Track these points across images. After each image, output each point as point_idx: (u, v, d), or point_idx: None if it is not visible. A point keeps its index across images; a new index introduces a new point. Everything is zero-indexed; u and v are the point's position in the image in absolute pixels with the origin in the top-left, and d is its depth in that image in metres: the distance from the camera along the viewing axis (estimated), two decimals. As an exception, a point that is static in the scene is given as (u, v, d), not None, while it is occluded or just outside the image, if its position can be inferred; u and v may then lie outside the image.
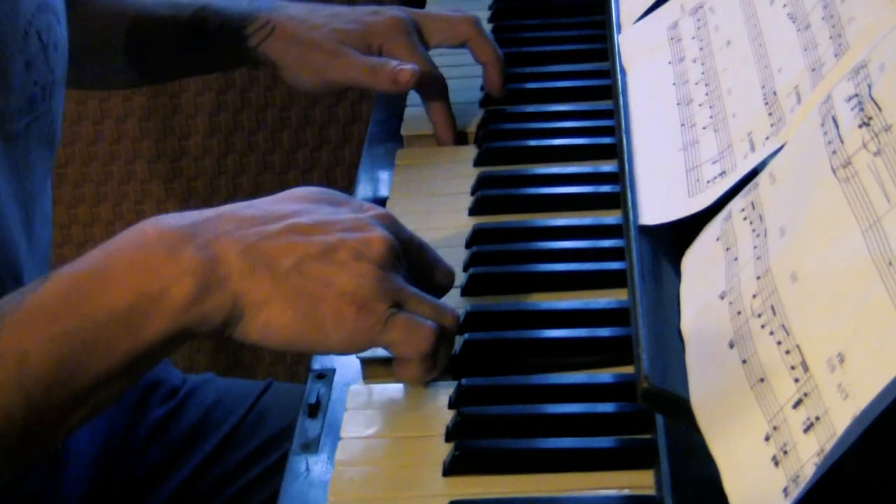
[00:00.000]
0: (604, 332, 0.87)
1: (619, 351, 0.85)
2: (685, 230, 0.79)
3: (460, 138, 1.14)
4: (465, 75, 1.19)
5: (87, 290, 0.75)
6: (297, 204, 0.81)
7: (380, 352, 0.82)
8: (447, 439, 0.81)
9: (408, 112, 1.17)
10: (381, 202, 1.04)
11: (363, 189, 1.09)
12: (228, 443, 1.12)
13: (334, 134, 1.81)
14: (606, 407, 0.81)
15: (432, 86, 1.12)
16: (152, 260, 0.76)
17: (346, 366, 0.88)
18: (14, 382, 0.73)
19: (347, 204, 0.83)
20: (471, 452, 0.78)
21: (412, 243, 0.84)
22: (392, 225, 0.82)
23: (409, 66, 1.08)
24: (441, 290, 0.86)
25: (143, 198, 1.88)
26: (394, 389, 0.85)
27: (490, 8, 1.32)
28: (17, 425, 0.74)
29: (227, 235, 0.77)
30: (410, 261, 0.83)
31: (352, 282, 0.78)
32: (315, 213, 0.80)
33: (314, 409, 0.84)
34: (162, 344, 0.76)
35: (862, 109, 0.67)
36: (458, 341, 0.87)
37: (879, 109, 0.66)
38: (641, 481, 0.76)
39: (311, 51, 1.11)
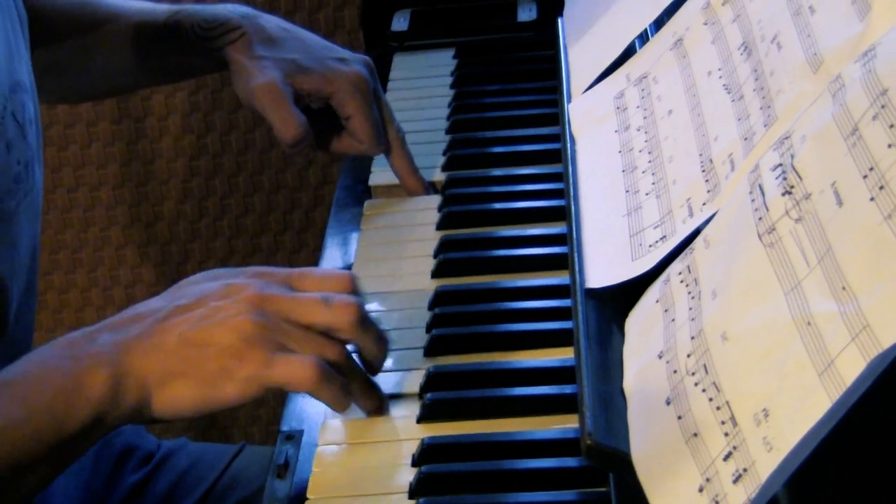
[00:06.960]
0: (568, 389, 0.89)
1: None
2: (632, 292, 0.83)
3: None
4: (430, 140, 1.23)
5: (16, 394, 0.84)
6: (179, 291, 0.90)
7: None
8: (410, 497, 0.83)
9: (375, 164, 1.20)
10: (348, 267, 1.08)
11: (330, 253, 1.12)
12: (202, 507, 1.14)
13: (305, 197, 1.85)
14: (569, 462, 0.83)
15: (382, 141, 1.15)
16: (65, 361, 0.85)
17: (315, 427, 0.91)
18: None
19: (224, 276, 0.91)
20: (432, 509, 0.81)
21: (291, 277, 0.90)
22: (263, 276, 0.89)
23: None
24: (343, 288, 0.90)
25: (119, 263, 1.91)
26: (361, 449, 0.88)
27: (452, 74, 1.36)
28: None
29: (124, 331, 0.86)
30: (305, 288, 0.89)
31: (228, 336, 0.85)
32: (193, 292, 0.89)
33: (283, 471, 0.87)
34: (83, 432, 0.84)
35: (785, 178, 0.71)
36: (424, 400, 0.90)
37: (800, 179, 0.70)
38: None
39: (257, 75, 1.11)
